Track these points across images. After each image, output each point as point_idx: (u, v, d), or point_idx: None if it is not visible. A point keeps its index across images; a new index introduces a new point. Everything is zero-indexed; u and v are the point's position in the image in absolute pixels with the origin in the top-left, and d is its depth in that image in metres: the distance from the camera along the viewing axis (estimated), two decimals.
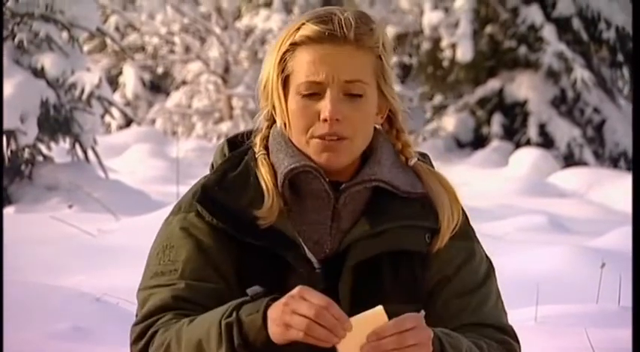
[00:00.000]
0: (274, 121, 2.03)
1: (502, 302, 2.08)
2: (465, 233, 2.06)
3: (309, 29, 1.95)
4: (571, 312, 4.09)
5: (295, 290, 1.78)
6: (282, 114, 1.99)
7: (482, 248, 2.09)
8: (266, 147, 2.03)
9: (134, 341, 1.95)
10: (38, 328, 3.57)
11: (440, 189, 2.03)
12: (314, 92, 1.96)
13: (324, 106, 1.94)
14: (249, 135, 2.07)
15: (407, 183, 2.02)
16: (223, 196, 1.98)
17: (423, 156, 2.10)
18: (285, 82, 1.99)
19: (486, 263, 2.08)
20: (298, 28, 1.97)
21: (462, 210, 2.06)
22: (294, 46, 1.97)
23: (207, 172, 2.09)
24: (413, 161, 2.05)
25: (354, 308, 1.94)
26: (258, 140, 2.04)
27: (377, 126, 2.04)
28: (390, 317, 1.80)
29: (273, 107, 2.01)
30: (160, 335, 1.91)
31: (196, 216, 2.00)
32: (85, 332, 3.61)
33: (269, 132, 2.04)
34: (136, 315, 2.00)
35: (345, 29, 1.95)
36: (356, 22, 1.97)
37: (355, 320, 1.78)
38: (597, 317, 3.98)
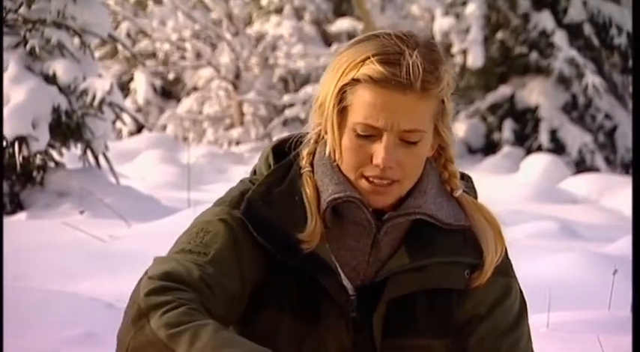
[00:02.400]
0: (323, 136, 1.96)
1: (531, 343, 2.03)
2: (504, 268, 2.01)
3: (374, 70, 1.85)
4: (583, 319, 4.08)
5: None
6: (333, 144, 1.92)
7: (518, 284, 2.04)
8: (311, 163, 1.97)
9: (150, 293, 1.82)
10: (50, 334, 3.57)
11: (485, 225, 1.98)
12: (370, 134, 1.88)
13: (379, 151, 1.88)
14: (295, 142, 2.01)
15: (450, 215, 1.97)
16: (268, 212, 1.93)
17: (466, 179, 2.05)
18: (342, 111, 1.91)
19: (520, 300, 2.03)
20: (363, 61, 1.87)
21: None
22: (356, 81, 1.88)
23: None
24: (458, 193, 2.00)
25: (386, 339, 1.93)
26: (305, 154, 1.98)
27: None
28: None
29: (326, 130, 1.94)
30: (180, 315, 1.78)
31: (240, 214, 1.93)
32: (96, 338, 3.61)
33: (316, 148, 1.98)
34: (145, 271, 1.90)
35: (412, 77, 1.84)
36: (424, 68, 1.85)
37: None
38: (609, 324, 3.97)
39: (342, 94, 1.89)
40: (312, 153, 1.98)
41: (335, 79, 1.90)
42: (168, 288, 1.82)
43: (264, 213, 1.93)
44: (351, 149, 1.90)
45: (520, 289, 2.05)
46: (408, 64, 1.85)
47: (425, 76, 1.86)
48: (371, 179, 1.90)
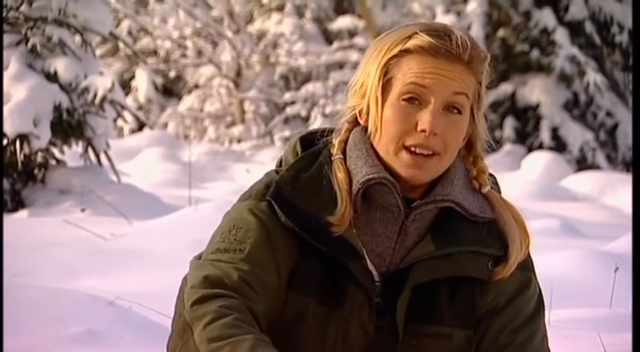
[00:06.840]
0: (356, 125, 2.00)
1: (547, 340, 2.06)
2: (525, 263, 2.05)
3: (425, 41, 1.93)
4: (584, 316, 4.08)
5: None
6: (375, 118, 1.95)
7: (537, 280, 2.07)
8: (343, 151, 2.00)
9: (194, 303, 1.86)
10: (51, 331, 3.58)
11: (511, 221, 2.02)
12: (416, 98, 1.93)
13: (425, 117, 1.91)
14: (322, 134, 2.05)
15: (476, 206, 2.00)
16: (296, 196, 1.95)
17: (491, 177, 2.08)
18: (385, 85, 1.95)
19: (538, 296, 2.06)
20: (410, 36, 1.94)
21: None
22: (404, 53, 1.93)
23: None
24: (486, 189, 2.04)
25: (409, 325, 1.95)
26: (336, 142, 2.01)
27: None
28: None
29: (367, 109, 1.97)
30: (221, 327, 1.82)
31: (267, 206, 1.96)
32: (97, 335, 3.61)
33: (348, 136, 2.01)
34: (184, 279, 1.94)
35: (460, 48, 1.93)
36: (471, 44, 1.95)
37: None
38: (610, 322, 3.97)
39: (387, 67, 1.94)
40: (344, 141, 2.00)
41: (380, 55, 1.95)
42: (211, 296, 1.86)
43: (292, 196, 1.95)
44: (395, 117, 1.93)
45: (539, 286, 2.07)
46: (457, 37, 1.94)
47: (472, 50, 1.95)
48: (413, 149, 1.92)
